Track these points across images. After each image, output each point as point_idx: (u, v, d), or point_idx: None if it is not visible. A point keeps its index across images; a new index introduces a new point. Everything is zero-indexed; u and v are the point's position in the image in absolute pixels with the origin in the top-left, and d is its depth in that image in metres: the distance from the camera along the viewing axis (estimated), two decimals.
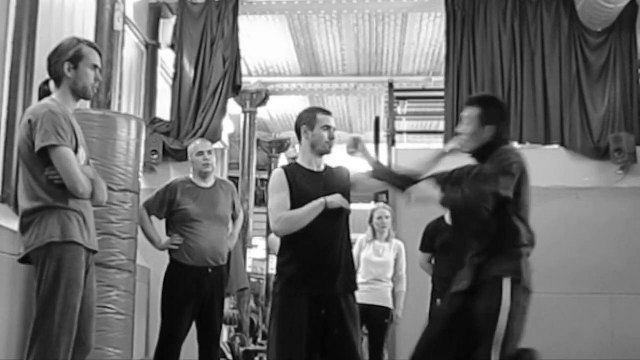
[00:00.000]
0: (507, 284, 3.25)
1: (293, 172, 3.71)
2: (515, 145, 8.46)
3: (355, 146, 3.78)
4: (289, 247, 3.66)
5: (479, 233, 3.43)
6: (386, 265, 6.27)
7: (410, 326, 7.08)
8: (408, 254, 6.36)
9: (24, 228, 3.31)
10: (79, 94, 3.43)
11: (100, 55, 3.50)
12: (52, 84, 3.44)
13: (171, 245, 5.09)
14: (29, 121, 3.28)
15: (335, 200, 3.59)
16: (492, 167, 3.37)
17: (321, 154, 3.76)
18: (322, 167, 3.79)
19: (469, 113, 3.59)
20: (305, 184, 3.67)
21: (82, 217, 3.33)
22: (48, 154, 3.24)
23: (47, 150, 3.23)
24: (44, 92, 3.46)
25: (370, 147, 11.37)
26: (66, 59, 3.37)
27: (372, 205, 6.70)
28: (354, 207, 3.74)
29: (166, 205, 5.16)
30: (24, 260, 3.35)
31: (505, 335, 3.21)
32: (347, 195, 3.70)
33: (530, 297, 3.36)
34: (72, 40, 3.46)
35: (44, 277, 3.21)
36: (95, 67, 3.43)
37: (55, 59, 3.40)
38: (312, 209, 3.57)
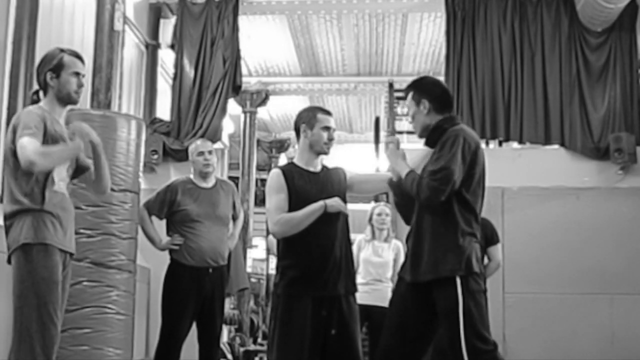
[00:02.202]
0: (458, 281, 3.33)
1: (290, 172, 3.69)
2: (515, 145, 8.48)
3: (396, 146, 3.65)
4: (290, 249, 3.65)
5: (422, 222, 3.48)
6: (385, 266, 6.25)
7: None
8: None
9: (6, 231, 3.46)
10: (64, 100, 3.57)
11: (83, 62, 3.64)
12: (41, 93, 3.61)
13: (171, 246, 5.09)
14: (13, 126, 3.44)
15: (335, 204, 3.58)
16: (437, 162, 3.38)
17: (319, 154, 3.74)
18: (319, 168, 3.77)
19: (407, 100, 3.65)
20: (303, 185, 3.65)
21: (57, 220, 3.45)
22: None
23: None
24: (34, 102, 3.61)
25: (370, 148, 11.40)
26: (49, 69, 3.54)
27: (371, 205, 6.68)
28: (353, 207, 3.73)
29: (166, 205, 5.16)
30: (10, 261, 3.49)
31: (469, 323, 3.30)
32: (343, 197, 3.69)
33: (480, 277, 3.44)
34: (55, 50, 3.63)
35: (19, 277, 3.34)
36: (77, 74, 3.58)
37: (40, 69, 3.58)
38: (311, 211, 3.56)
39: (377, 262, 6.23)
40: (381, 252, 6.28)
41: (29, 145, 3.29)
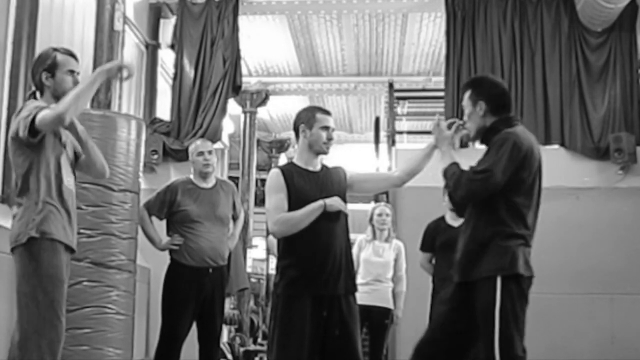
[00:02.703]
0: (499, 281, 3.28)
1: (290, 172, 3.69)
2: None
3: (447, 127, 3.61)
4: (289, 249, 3.65)
5: (469, 222, 3.46)
6: (386, 266, 6.25)
7: (410, 326, 7.09)
8: (408, 253, 6.36)
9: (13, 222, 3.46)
10: (60, 99, 3.51)
11: (77, 60, 3.63)
12: (37, 94, 3.59)
13: (171, 246, 5.09)
14: (16, 117, 3.45)
15: (334, 203, 3.57)
16: (481, 163, 3.36)
17: (318, 154, 3.74)
18: (319, 167, 3.77)
19: (464, 97, 3.60)
20: (302, 185, 3.65)
21: (67, 217, 3.44)
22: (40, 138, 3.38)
23: (35, 129, 3.34)
24: None
25: (370, 148, 11.40)
26: (43, 69, 3.53)
27: (372, 205, 6.68)
28: (353, 207, 3.73)
29: (166, 205, 5.16)
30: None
31: (504, 329, 3.26)
32: (343, 196, 3.69)
33: (526, 281, 3.37)
34: (48, 49, 3.62)
35: (25, 274, 3.33)
36: (72, 71, 3.58)
37: (35, 70, 3.57)
38: (310, 211, 3.56)
39: (378, 262, 6.23)
40: (382, 252, 6.28)
41: (48, 111, 3.32)
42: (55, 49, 3.61)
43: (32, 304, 3.28)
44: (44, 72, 3.52)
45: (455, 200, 3.61)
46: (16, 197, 3.44)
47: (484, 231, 3.37)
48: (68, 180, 3.51)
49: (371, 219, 6.37)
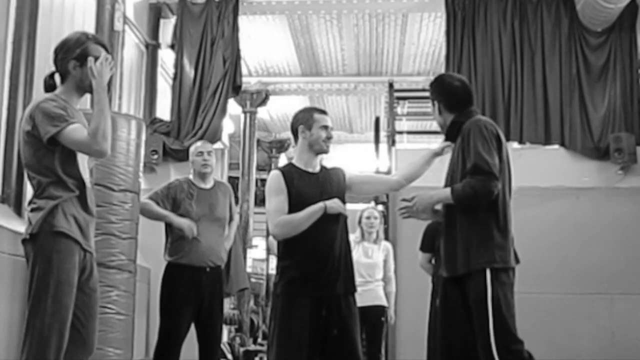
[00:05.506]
0: (488, 274, 3.31)
1: (290, 173, 3.70)
2: (515, 145, 8.48)
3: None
4: (289, 250, 3.66)
5: (455, 220, 3.45)
6: (375, 267, 6.27)
7: (410, 326, 7.12)
8: (408, 254, 6.37)
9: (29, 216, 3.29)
10: (84, 90, 3.39)
11: (107, 51, 3.42)
12: (57, 77, 3.39)
13: (188, 230, 4.97)
14: (36, 115, 3.24)
15: (335, 205, 3.59)
16: (472, 154, 3.35)
17: (318, 153, 3.76)
18: (318, 168, 3.79)
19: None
20: (302, 186, 3.67)
21: (81, 216, 3.28)
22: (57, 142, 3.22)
23: (54, 138, 3.20)
24: (49, 86, 3.40)
25: (370, 148, 11.40)
26: (72, 57, 3.31)
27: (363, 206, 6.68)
28: (351, 207, 3.74)
29: (170, 200, 5.11)
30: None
31: (498, 315, 3.28)
32: (342, 197, 3.71)
33: (513, 272, 3.42)
34: (80, 36, 3.39)
35: (37, 276, 3.16)
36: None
37: (62, 55, 3.34)
38: (311, 213, 3.57)
39: (367, 263, 6.25)
40: (371, 253, 6.31)
41: (83, 135, 3.24)
42: (87, 37, 3.38)
43: (41, 309, 3.14)
44: (73, 60, 3.31)
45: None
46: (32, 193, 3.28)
47: (472, 226, 3.38)
48: (85, 176, 3.37)
49: (360, 222, 6.40)
